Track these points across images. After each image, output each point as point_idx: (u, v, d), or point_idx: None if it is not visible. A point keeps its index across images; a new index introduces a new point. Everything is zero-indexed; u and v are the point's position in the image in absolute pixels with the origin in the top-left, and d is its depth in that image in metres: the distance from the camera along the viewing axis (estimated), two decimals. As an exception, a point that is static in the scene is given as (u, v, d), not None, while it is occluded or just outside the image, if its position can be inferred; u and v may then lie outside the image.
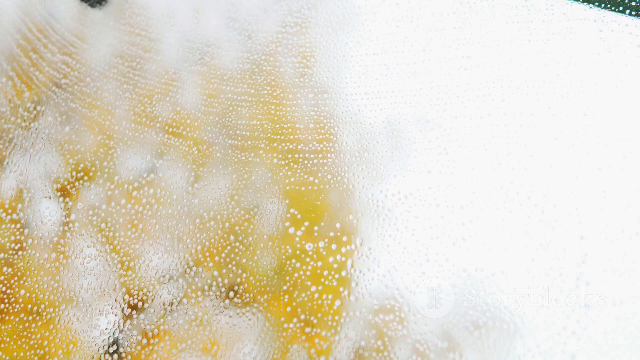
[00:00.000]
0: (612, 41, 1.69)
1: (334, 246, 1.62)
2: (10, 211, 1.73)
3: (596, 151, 1.61)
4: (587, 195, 1.59)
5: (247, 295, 1.65)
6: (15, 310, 1.70)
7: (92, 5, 1.43)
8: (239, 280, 1.66)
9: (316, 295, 1.61)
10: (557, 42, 1.70)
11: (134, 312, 1.69)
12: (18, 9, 1.72)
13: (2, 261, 1.71)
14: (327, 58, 1.81)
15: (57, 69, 1.73)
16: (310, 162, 1.69)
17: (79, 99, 1.73)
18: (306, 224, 1.65)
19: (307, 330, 1.61)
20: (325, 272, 1.62)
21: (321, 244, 1.63)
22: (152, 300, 1.69)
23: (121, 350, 1.68)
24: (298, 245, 1.63)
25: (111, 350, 1.68)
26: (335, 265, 1.61)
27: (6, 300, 1.70)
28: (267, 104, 1.73)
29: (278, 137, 1.70)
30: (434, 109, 1.71)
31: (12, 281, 1.71)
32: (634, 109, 1.64)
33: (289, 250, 1.63)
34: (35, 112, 1.73)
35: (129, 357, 1.68)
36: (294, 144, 1.69)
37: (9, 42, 1.73)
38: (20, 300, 1.71)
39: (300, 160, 1.69)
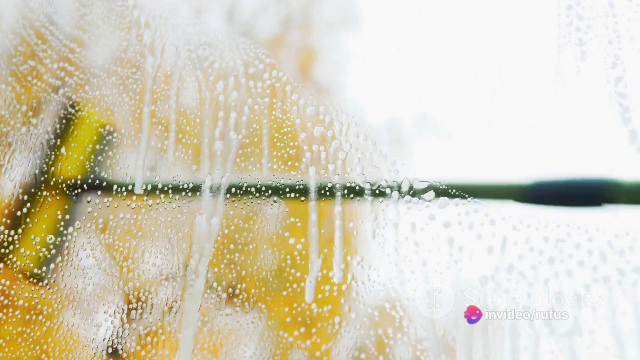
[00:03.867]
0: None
1: (335, 252, 1.62)
2: (8, 218, 1.73)
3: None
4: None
5: (247, 303, 1.66)
6: (15, 316, 1.71)
7: None
8: (238, 288, 1.66)
9: (316, 306, 1.61)
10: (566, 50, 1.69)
11: (133, 317, 1.70)
12: (17, 14, 1.71)
13: (1, 269, 1.72)
14: (329, 57, 1.80)
15: (56, 74, 1.72)
16: (312, 165, 1.68)
17: (78, 103, 1.73)
18: (306, 229, 1.64)
19: (307, 339, 1.61)
20: (325, 280, 1.62)
21: (321, 250, 1.62)
22: (152, 305, 1.70)
23: (121, 351, 1.69)
24: (297, 255, 1.63)
25: (111, 350, 1.69)
26: (335, 274, 1.61)
27: (5, 307, 1.70)
28: (268, 106, 1.72)
29: (278, 142, 1.70)
30: (436, 113, 1.70)
31: (12, 288, 1.71)
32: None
33: (288, 257, 1.63)
34: (34, 117, 1.73)
35: (129, 357, 1.68)
36: (294, 150, 1.68)
37: (8, 47, 1.72)
38: (20, 306, 1.71)
39: (302, 163, 1.68)
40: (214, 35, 1.71)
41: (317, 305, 1.58)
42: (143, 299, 1.69)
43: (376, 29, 1.80)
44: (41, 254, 1.70)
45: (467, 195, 1.51)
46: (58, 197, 1.71)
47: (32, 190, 1.71)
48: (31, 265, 1.70)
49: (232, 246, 1.67)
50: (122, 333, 1.68)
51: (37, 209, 1.71)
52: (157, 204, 1.69)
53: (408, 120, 1.76)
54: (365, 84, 1.79)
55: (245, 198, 1.66)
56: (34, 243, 1.70)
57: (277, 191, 1.65)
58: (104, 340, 1.69)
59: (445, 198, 1.53)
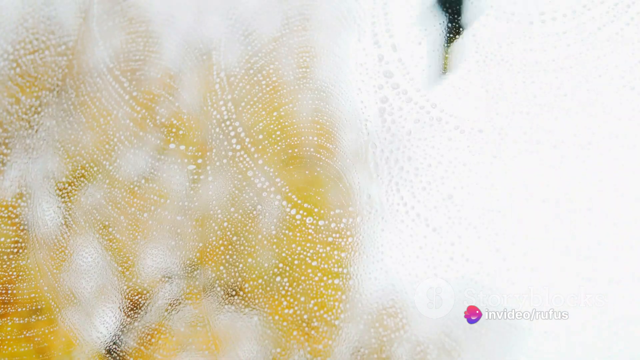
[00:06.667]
0: None
1: (335, 253, 1.62)
2: (10, 213, 1.73)
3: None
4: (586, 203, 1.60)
5: (246, 299, 1.66)
6: (15, 311, 1.71)
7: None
8: (238, 283, 1.66)
9: (316, 304, 1.61)
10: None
11: (134, 313, 1.70)
12: (17, 12, 1.71)
13: (3, 263, 1.72)
14: (329, 58, 1.81)
15: (56, 72, 1.72)
16: (312, 166, 1.69)
17: (79, 102, 1.73)
18: (306, 230, 1.65)
19: (307, 335, 1.61)
20: (325, 278, 1.62)
21: (321, 251, 1.63)
22: (152, 301, 1.70)
23: (121, 351, 1.69)
24: (298, 251, 1.63)
25: (111, 351, 1.69)
26: (335, 271, 1.61)
27: (6, 301, 1.71)
28: (268, 107, 1.72)
29: (279, 141, 1.70)
30: (436, 110, 1.70)
31: (12, 283, 1.71)
32: None
33: (289, 258, 1.63)
34: (35, 114, 1.73)
35: (129, 358, 1.69)
36: (296, 149, 1.69)
37: (7, 46, 1.72)
38: (20, 301, 1.71)
39: (302, 164, 1.69)
40: (215, 36, 1.72)
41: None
42: (143, 299, 1.69)
43: (376, 29, 1.80)
44: None
45: None
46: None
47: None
48: None
49: (232, 247, 1.67)
50: (122, 333, 1.68)
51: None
52: (159, 204, 1.70)
53: (410, 124, 1.76)
54: (366, 85, 1.79)
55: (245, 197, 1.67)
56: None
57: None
58: (103, 340, 1.69)
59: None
